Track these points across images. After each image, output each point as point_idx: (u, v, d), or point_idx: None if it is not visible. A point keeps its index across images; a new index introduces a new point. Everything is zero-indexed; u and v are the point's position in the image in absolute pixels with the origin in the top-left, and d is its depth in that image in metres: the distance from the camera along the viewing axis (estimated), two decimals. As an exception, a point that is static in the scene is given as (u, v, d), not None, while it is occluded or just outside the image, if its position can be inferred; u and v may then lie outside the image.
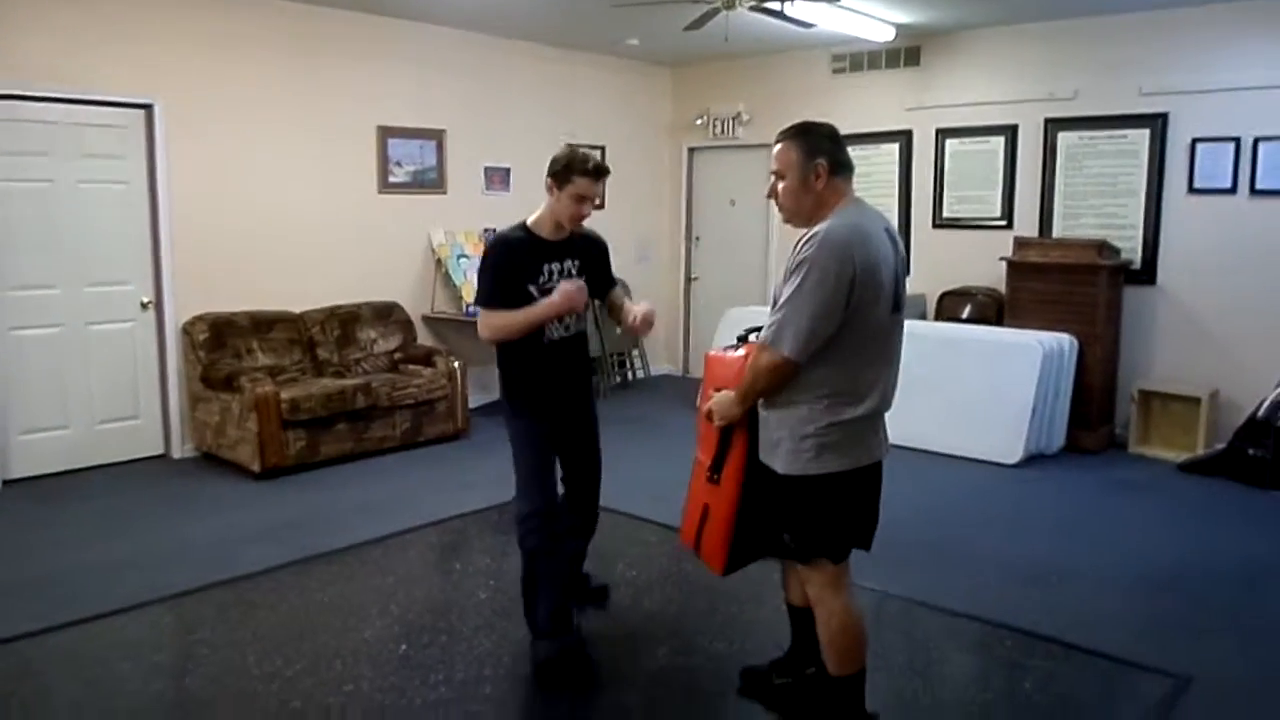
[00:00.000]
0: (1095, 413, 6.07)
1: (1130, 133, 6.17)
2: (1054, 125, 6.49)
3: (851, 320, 2.43)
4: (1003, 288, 6.48)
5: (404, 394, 5.94)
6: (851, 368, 2.49)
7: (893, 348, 2.59)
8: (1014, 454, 5.77)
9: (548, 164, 3.20)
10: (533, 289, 3.17)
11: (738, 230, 8.39)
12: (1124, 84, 6.18)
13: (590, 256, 3.34)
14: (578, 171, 3.13)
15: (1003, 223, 6.77)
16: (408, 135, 6.77)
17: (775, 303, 2.52)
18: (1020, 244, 6.39)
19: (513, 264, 3.17)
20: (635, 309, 3.26)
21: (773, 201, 2.63)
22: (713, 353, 2.83)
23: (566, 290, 3.12)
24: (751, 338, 2.76)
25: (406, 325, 6.58)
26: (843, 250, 2.40)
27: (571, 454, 3.46)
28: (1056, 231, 6.51)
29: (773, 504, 2.63)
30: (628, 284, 7.88)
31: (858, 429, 2.54)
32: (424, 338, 6.85)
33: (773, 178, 2.61)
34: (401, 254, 6.82)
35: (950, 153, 7.02)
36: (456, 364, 6.27)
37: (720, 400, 2.65)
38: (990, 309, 6.62)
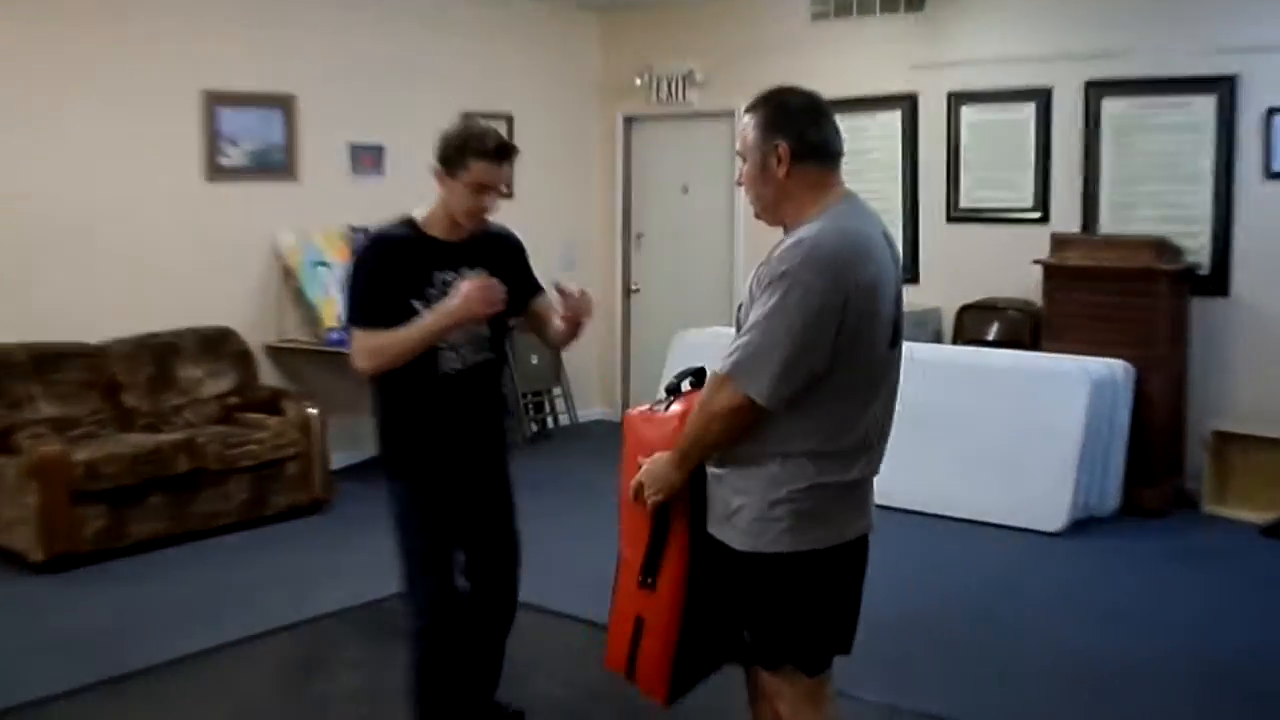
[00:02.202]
0: (1158, 462, 6.25)
1: (1194, 99, 6.40)
2: (1098, 90, 6.71)
3: (841, 356, 2.47)
4: (1038, 299, 6.66)
5: (241, 453, 5.93)
6: (838, 417, 2.53)
7: (889, 392, 2.65)
8: (1056, 519, 5.92)
9: (436, 145, 3.24)
10: (419, 305, 3.18)
11: (693, 226, 8.51)
12: (1186, 37, 6.41)
13: (501, 260, 3.35)
14: (475, 153, 3.15)
15: (1036, 215, 6.97)
16: (245, 103, 6.77)
17: (739, 326, 2.55)
18: (1059, 243, 6.58)
19: (394, 271, 3.18)
20: (569, 288, 3.29)
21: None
22: (635, 412, 2.83)
23: (469, 291, 3.13)
24: (686, 386, 2.78)
25: (244, 359, 6.57)
26: (835, 265, 2.44)
27: (477, 529, 3.45)
28: (1104, 226, 6.71)
29: (728, 592, 2.65)
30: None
31: (845, 494, 2.59)
32: (268, 375, 6.83)
33: (739, 160, 2.68)
34: (237, 263, 6.80)
35: (968, 124, 7.22)
36: (313, 411, 6.25)
37: (652, 468, 2.64)
38: (1023, 327, 6.80)
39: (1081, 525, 5.99)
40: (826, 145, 2.60)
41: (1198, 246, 6.42)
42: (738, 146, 2.67)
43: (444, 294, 3.19)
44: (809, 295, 2.40)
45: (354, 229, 7.10)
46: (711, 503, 2.64)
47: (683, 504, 2.67)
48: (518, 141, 8.11)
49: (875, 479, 2.69)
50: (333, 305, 6.76)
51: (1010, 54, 7.01)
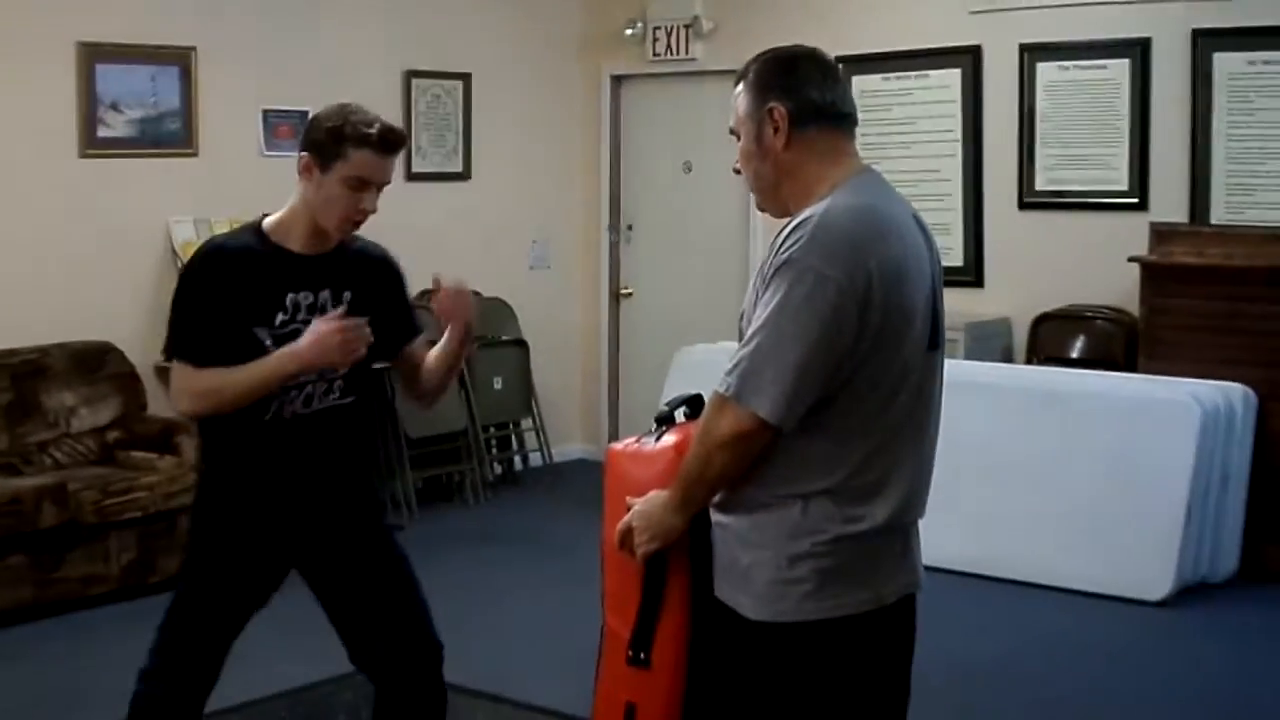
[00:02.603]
0: (1286, 514, 6.26)
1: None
2: (1207, 40, 6.71)
3: (868, 361, 2.48)
4: (1134, 307, 6.64)
5: (125, 502, 5.87)
6: (866, 440, 2.53)
7: (929, 408, 2.65)
8: (1160, 586, 5.90)
9: (304, 130, 3.26)
10: (263, 334, 3.19)
11: (697, 213, 8.51)
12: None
13: (372, 286, 3.37)
14: (356, 140, 3.15)
15: (1132, 200, 6.98)
16: (131, 58, 6.75)
17: (742, 334, 2.56)
18: (1161, 236, 6.57)
19: (231, 292, 3.19)
20: (444, 283, 3.30)
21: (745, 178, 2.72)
22: (619, 446, 2.83)
23: (325, 332, 3.13)
24: (681, 415, 2.78)
25: (128, 383, 6.55)
26: (850, 246, 2.45)
27: (360, 615, 3.41)
28: (1217, 215, 6.71)
29: (739, 671, 2.65)
30: (512, 307, 7.96)
31: (879, 544, 2.58)
32: (158, 403, 6.74)
33: (734, 140, 2.69)
34: (120, 260, 6.78)
35: (1044, 85, 7.21)
36: None
37: (646, 509, 2.66)
38: (1115, 342, 6.79)
39: (1191, 593, 5.97)
40: (834, 105, 2.62)
41: (1335, 240, 6.44)
42: (730, 123, 2.69)
43: (295, 320, 3.21)
44: (822, 285, 2.42)
45: (266, 217, 7.07)
46: (717, 558, 2.64)
47: (682, 556, 2.67)
48: (477, 109, 8.28)
49: (921, 524, 2.70)
50: (241, 314, 6.74)
51: (1098, -4, 7.03)
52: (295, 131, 7.36)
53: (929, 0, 7.52)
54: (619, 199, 8.84)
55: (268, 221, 3.30)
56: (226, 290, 3.19)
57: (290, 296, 3.22)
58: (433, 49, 8.00)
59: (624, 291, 8.85)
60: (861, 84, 7.29)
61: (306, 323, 3.20)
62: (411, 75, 7.89)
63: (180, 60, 6.94)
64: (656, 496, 2.64)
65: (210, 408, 3.21)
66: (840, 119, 2.63)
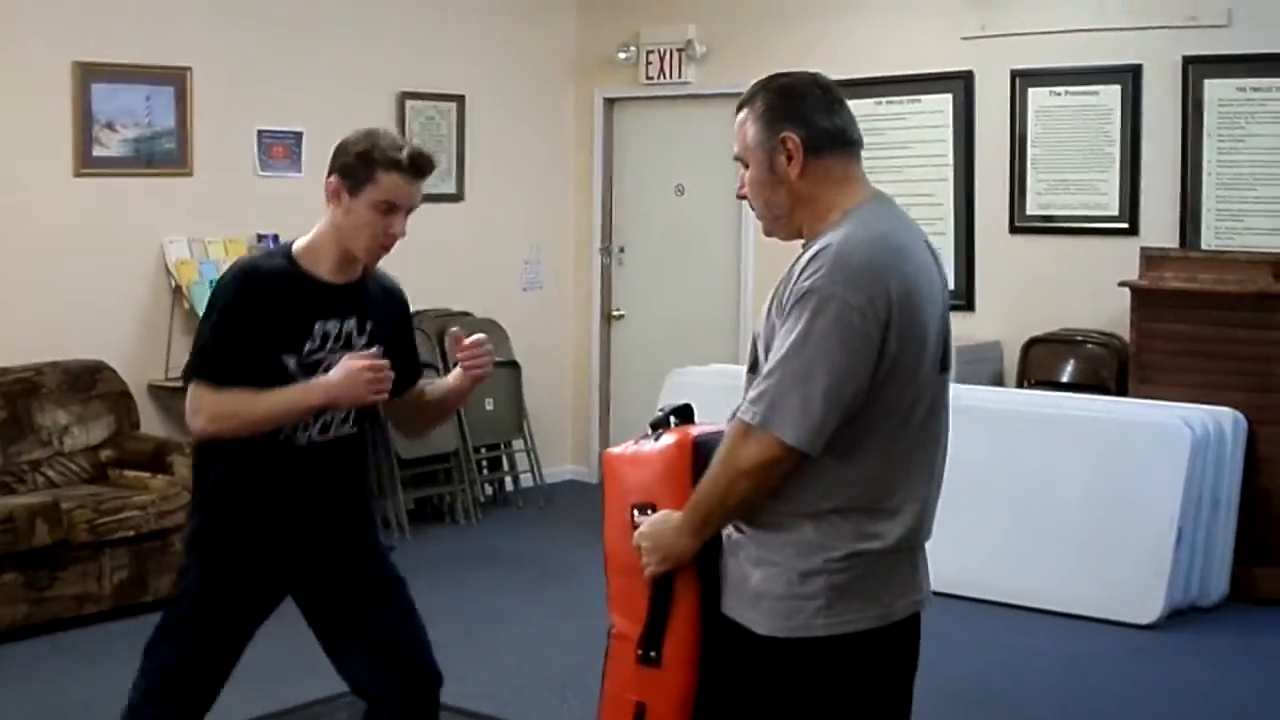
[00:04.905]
0: (1276, 537, 6.25)
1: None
2: (1199, 67, 6.76)
3: (885, 385, 2.53)
4: (1125, 331, 6.67)
5: (118, 521, 5.87)
6: (880, 461, 2.57)
7: (940, 430, 2.70)
8: (1149, 610, 5.91)
9: (333, 155, 3.24)
10: (291, 362, 3.20)
11: (690, 236, 8.56)
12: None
13: (388, 317, 3.38)
14: (385, 164, 3.16)
15: (1122, 225, 7.02)
16: (126, 77, 6.77)
17: (755, 363, 2.60)
18: (1152, 260, 6.60)
19: (264, 316, 3.19)
20: (460, 333, 3.32)
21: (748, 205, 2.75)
22: (617, 451, 2.84)
23: (355, 371, 3.14)
24: (673, 422, 2.79)
25: (121, 402, 6.55)
26: (871, 273, 2.49)
27: (354, 635, 3.39)
28: (1208, 240, 6.76)
29: (748, 687, 2.66)
30: (504, 328, 7.96)
31: (891, 562, 2.62)
32: (150, 423, 6.81)
33: (739, 167, 2.73)
34: (113, 279, 6.80)
35: (1036, 110, 7.27)
36: None
37: (657, 528, 2.66)
38: (1106, 366, 6.82)
39: (1180, 617, 5.99)
40: (844, 131, 2.67)
41: (1323, 266, 6.48)
42: (735, 149, 2.72)
43: (323, 349, 3.22)
44: (847, 312, 2.46)
45: (262, 238, 7.10)
46: (726, 575, 2.66)
47: (691, 573, 2.69)
48: (470, 130, 8.30)
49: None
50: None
51: (1088, 23, 7.06)
52: (289, 152, 7.40)
53: (922, 25, 7.56)
54: (611, 221, 8.86)
55: (297, 246, 3.28)
56: (259, 314, 3.18)
57: (319, 325, 3.23)
58: (427, 71, 8.02)
59: (616, 313, 8.87)
60: (854, 108, 7.09)
61: (332, 352, 3.22)
62: (406, 96, 7.90)
63: (176, 80, 6.95)
64: (667, 518, 2.66)
65: (229, 430, 3.20)
66: (849, 144, 2.67)
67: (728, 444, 2.58)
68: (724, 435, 2.61)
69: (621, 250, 8.84)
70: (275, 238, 7.08)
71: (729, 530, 2.65)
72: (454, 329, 3.40)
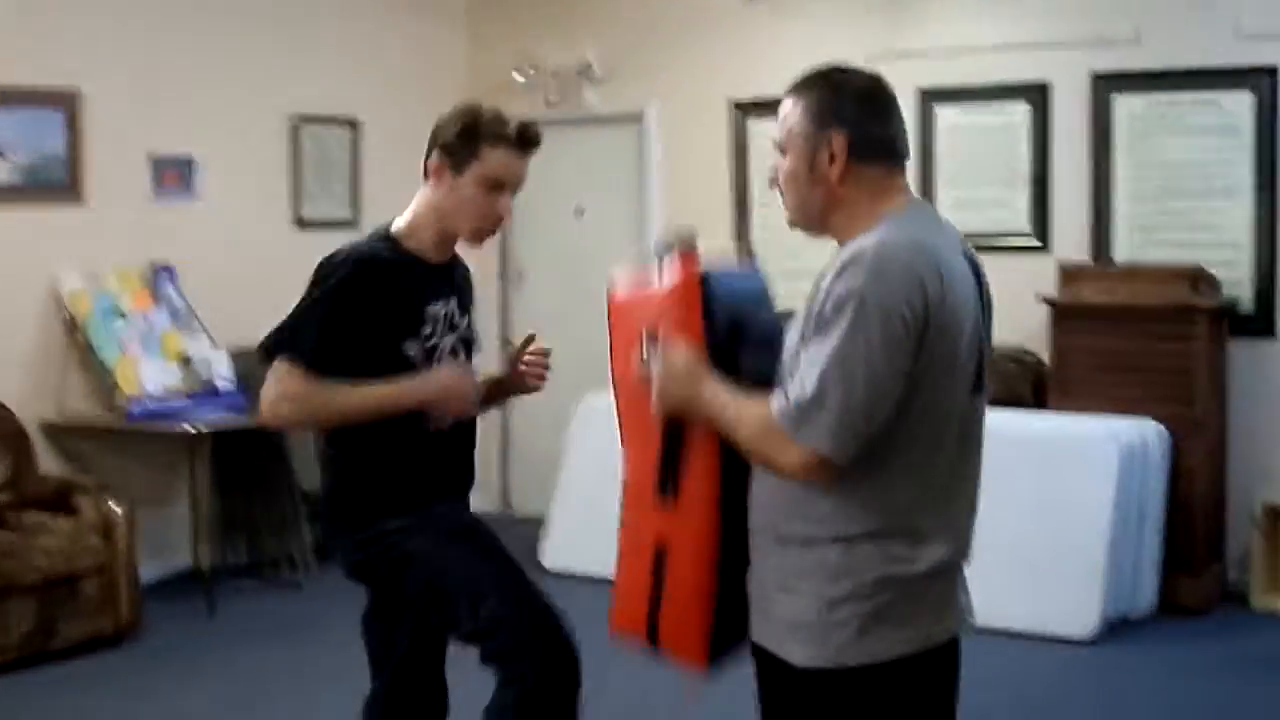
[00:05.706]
0: (1199, 547, 6.40)
1: (1223, 96, 6.65)
2: (1107, 84, 6.91)
3: (918, 393, 2.47)
4: (1040, 347, 6.78)
5: (20, 567, 5.78)
6: (913, 485, 2.54)
7: (975, 452, 2.67)
8: (1086, 624, 6.01)
9: (435, 131, 3.21)
10: (412, 348, 3.18)
11: (590, 259, 8.42)
12: (1211, 20, 6.64)
13: (470, 298, 3.44)
14: (492, 139, 3.13)
15: (1035, 243, 7.15)
16: (13, 101, 6.66)
17: (777, 373, 2.56)
18: (1069, 275, 6.73)
19: (380, 304, 3.15)
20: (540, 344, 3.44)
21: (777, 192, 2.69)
22: (620, 294, 2.82)
23: (454, 386, 3.17)
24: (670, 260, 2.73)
25: (16, 442, 6.46)
26: (906, 278, 2.44)
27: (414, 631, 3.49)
28: (1122, 254, 6.90)
29: (780, 715, 2.64)
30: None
31: (928, 585, 2.59)
32: (50, 463, 6.72)
33: (777, 153, 2.68)
34: (2, 314, 6.66)
35: (944, 128, 7.35)
36: (117, 508, 6.16)
37: (672, 371, 2.59)
38: (1021, 382, 6.89)
39: (1116, 630, 6.09)
40: (893, 143, 2.65)
41: (1236, 277, 6.62)
42: (776, 136, 2.68)
43: (436, 333, 3.22)
44: (883, 317, 2.41)
45: (159, 267, 7.05)
46: (752, 601, 2.64)
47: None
48: (365, 155, 8.22)
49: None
50: (132, 367, 6.68)
51: (996, 40, 7.18)
52: (182, 178, 7.30)
53: (826, 45, 7.51)
54: (508, 245, 8.81)
55: (396, 228, 3.25)
56: (376, 304, 3.15)
57: (429, 309, 3.23)
58: (320, 93, 7.96)
59: (514, 342, 8.75)
60: (758, 128, 7.41)
61: (442, 336, 3.23)
62: (301, 120, 7.82)
63: (65, 103, 6.84)
64: (689, 365, 2.58)
65: (299, 418, 3.22)
66: (896, 156, 2.64)
67: (760, 443, 2.51)
68: (758, 418, 2.51)
69: (520, 274, 8.81)
70: (169, 267, 7.06)
71: (760, 559, 2.61)
72: (533, 333, 3.49)
